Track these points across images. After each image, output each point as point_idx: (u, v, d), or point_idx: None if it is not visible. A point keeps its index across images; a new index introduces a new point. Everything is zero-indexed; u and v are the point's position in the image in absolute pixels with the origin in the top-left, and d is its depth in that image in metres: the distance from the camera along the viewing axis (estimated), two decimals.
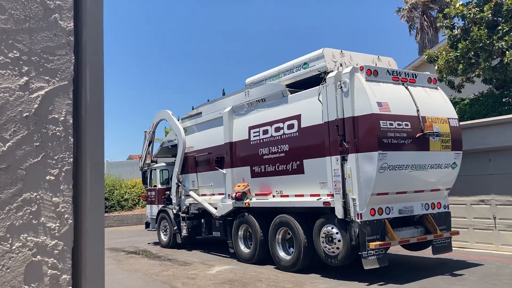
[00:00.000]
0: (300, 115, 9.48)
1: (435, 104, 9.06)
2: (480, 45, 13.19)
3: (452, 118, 9.14)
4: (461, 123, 9.68)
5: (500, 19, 13.56)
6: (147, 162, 16.03)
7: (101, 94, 1.30)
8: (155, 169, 15.80)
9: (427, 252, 9.86)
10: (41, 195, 1.17)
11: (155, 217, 15.33)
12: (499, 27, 13.05)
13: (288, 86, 10.09)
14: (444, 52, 14.73)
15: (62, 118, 1.21)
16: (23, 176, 1.15)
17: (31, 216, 1.16)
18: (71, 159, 1.23)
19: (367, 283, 8.08)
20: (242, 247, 11.11)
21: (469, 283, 7.94)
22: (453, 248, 9.51)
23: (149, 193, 16.21)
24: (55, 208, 1.19)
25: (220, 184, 12.11)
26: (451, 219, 9.59)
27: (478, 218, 11.35)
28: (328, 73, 8.93)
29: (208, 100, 14.06)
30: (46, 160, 1.18)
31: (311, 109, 9.20)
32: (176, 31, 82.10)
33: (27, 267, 1.14)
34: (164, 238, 14.67)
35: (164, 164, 15.68)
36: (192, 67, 77.17)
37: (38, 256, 1.15)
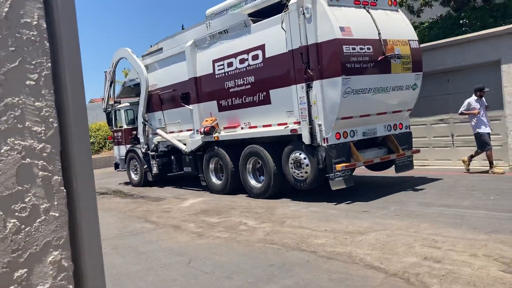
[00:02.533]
0: (264, 45, 9.41)
1: (396, 26, 9.15)
2: None
3: (413, 40, 9.29)
4: (420, 45, 9.87)
5: None
6: (110, 103, 15.71)
7: None
8: (119, 110, 15.53)
9: (390, 172, 10.40)
10: (23, 99, 1.18)
11: (123, 157, 15.30)
12: None
13: (250, 15, 9.89)
14: None
15: (35, 22, 1.20)
16: (3, 81, 1.16)
17: (15, 121, 1.17)
18: (49, 64, 1.22)
19: (335, 203, 8.52)
20: (214, 179, 11.36)
21: (429, 195, 8.49)
22: (414, 167, 10.04)
23: (115, 134, 16.05)
24: (38, 112, 1.20)
25: (187, 121, 12.11)
26: (412, 139, 10.05)
27: (437, 136, 11.92)
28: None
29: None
30: (24, 65, 1.18)
31: (275, 38, 9.13)
32: None
33: (18, 169, 1.18)
34: (134, 177, 14.76)
35: (128, 104, 15.43)
36: (150, 2, 73.58)
37: (27, 159, 1.18)
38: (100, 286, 1.31)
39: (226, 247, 6.45)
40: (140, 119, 13.91)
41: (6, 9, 1.16)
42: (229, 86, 10.44)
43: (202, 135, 11.24)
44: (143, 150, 14.00)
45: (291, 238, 6.54)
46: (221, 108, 10.84)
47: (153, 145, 13.73)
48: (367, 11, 8.82)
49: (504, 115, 10.75)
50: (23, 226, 1.17)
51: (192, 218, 8.74)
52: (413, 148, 10.01)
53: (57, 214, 1.22)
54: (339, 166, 8.32)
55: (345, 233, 6.50)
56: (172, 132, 12.94)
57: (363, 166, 9.68)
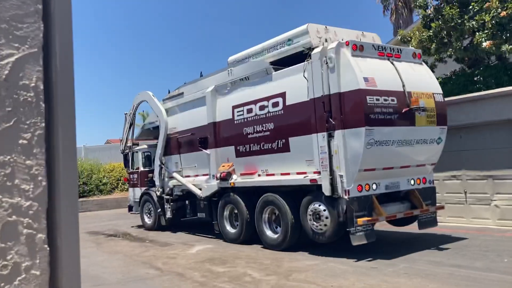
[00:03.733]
0: (285, 92, 9.34)
1: (420, 79, 9.02)
2: (452, 24, 13.34)
3: (437, 93, 9.12)
4: None
5: None
6: (128, 145, 15.74)
7: (71, 61, 1.33)
8: (137, 152, 15.52)
9: (412, 227, 9.96)
10: (15, 158, 1.21)
11: (138, 200, 15.11)
12: (470, 6, 13.16)
13: (272, 63, 9.91)
14: (417, 32, 14.82)
15: (33, 84, 1.24)
16: None
17: (5, 179, 1.19)
18: (43, 124, 1.26)
19: (355, 259, 8.10)
20: (228, 227, 11.03)
21: (440, 254, 8.06)
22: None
23: (131, 176, 15.94)
24: (28, 171, 1.23)
25: (204, 165, 11.95)
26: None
27: (450, 193, 11.53)
28: (313, 49, 8.78)
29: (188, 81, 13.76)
30: (18, 125, 1.21)
31: (296, 86, 9.06)
32: (154, 7, 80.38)
33: (3, 227, 1.18)
34: (148, 221, 14.49)
35: (146, 147, 15.41)
36: (172, 48, 75.81)
37: (13, 216, 1.19)
38: None
39: None
40: (157, 162, 13.82)
41: (6, 72, 1.21)
42: (248, 132, 10.31)
43: (218, 181, 11.03)
44: (158, 194, 13.80)
45: None
46: (238, 154, 10.68)
47: (168, 188, 13.55)
48: (391, 63, 8.73)
49: None
50: (3, 284, 1.17)
51: (197, 266, 8.56)
52: (437, 204, 9.61)
53: (38, 273, 1.22)
54: (360, 220, 7.97)
55: None
56: (188, 176, 12.77)
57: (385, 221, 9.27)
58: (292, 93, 9.16)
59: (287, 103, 9.27)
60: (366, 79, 8.02)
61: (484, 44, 12.52)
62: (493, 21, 12.44)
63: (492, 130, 10.88)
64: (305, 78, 8.74)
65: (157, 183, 13.91)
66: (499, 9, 12.33)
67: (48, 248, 1.24)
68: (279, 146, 9.52)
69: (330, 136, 8.32)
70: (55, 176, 1.28)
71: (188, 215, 13.19)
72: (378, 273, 7.17)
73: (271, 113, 9.66)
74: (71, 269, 1.29)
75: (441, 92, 9.28)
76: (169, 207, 13.44)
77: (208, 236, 12.12)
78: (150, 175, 14.64)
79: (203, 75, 12.51)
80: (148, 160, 15.18)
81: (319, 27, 9.22)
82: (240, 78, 10.61)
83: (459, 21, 13.16)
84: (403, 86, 8.50)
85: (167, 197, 13.51)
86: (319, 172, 8.55)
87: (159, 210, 13.82)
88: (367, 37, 9.82)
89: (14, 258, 1.18)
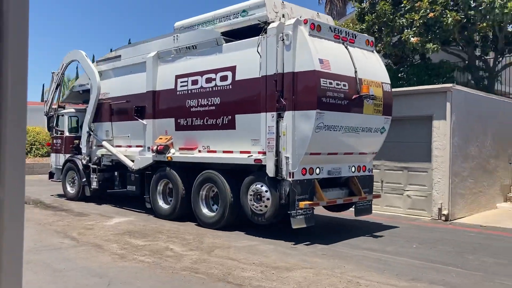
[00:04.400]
0: (235, 66, 8.90)
1: (371, 67, 9.00)
2: (384, 20, 13.89)
3: (385, 83, 9.17)
4: None
5: None
6: (53, 107, 14.48)
7: (26, 24, 1.21)
8: (62, 115, 14.30)
9: (347, 214, 10.10)
10: None
11: (60, 167, 14.01)
12: (402, 4, 13.76)
13: (223, 34, 9.39)
14: (351, 24, 15.19)
15: None
16: None
17: None
18: None
19: (293, 243, 7.99)
20: (161, 202, 10.50)
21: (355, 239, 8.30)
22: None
23: (54, 141, 14.71)
24: None
25: (138, 136, 11.25)
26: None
27: None
28: (269, 23, 8.40)
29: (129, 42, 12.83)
30: None
31: (248, 61, 8.66)
32: None
33: None
34: (70, 190, 13.49)
35: (73, 110, 14.25)
36: (111, 7, 70.73)
37: None
38: None
39: (149, 273, 6.19)
40: (85, 128, 12.83)
41: None
42: (191, 105, 9.78)
43: (154, 154, 10.42)
44: (84, 162, 12.85)
45: (218, 268, 6.39)
46: (178, 127, 10.12)
47: (96, 157, 12.66)
48: (346, 47, 8.60)
49: (431, 167, 11.07)
50: None
51: (116, 238, 8.29)
52: (374, 193, 9.77)
53: None
54: (302, 204, 7.84)
55: (273, 268, 6.45)
56: (120, 146, 11.99)
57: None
58: (243, 68, 8.75)
59: (237, 78, 8.85)
60: (321, 61, 7.81)
61: (412, 39, 13.15)
62: (421, 21, 13.15)
63: (411, 125, 11.39)
64: (259, 53, 8.37)
65: (83, 150, 12.95)
66: (428, 10, 13.01)
67: None
68: (224, 122, 9.11)
69: (280, 117, 8.06)
70: (2, 139, 1.18)
71: (117, 187, 12.42)
72: (298, 252, 7.39)
73: (219, 87, 9.20)
74: (13, 222, 1.21)
75: (389, 82, 9.34)
76: (95, 177, 12.57)
77: (137, 210, 11.52)
78: (76, 141, 13.60)
79: (131, 43, 11.70)
80: (75, 125, 14.08)
81: (276, 1, 8.84)
82: (186, 46, 9.99)
83: (391, 17, 13.77)
84: (356, 72, 8.41)
85: (94, 166, 12.62)
86: (264, 153, 8.28)
87: (84, 179, 12.90)
88: (322, 18, 9.62)
89: None
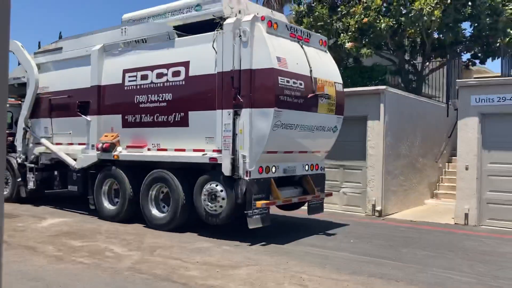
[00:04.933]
0: (188, 62, 8.61)
1: (324, 66, 9.06)
2: (321, 24, 14.32)
3: (338, 83, 9.27)
4: None
5: (340, 1, 14.83)
6: None
7: (7, 26, 1.26)
8: None
9: (299, 213, 10.12)
10: None
11: None
12: (339, 9, 14.26)
13: (175, 28, 9.06)
14: None
15: None
16: None
17: None
18: None
19: (249, 243, 7.85)
20: (106, 203, 9.98)
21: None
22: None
23: None
24: None
25: (81, 133, 10.62)
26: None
27: None
28: (225, 19, 8.21)
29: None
30: None
31: (202, 56, 8.41)
32: None
33: None
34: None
35: (6, 105, 13.20)
36: None
37: None
38: None
39: (90, 274, 6.00)
40: (21, 124, 11.94)
41: None
42: (140, 101, 9.36)
43: (99, 152, 9.88)
44: (20, 161, 11.97)
45: (161, 268, 6.29)
46: (126, 124, 9.65)
47: (33, 156, 11.82)
48: (301, 46, 8.59)
49: (365, 165, 11.56)
50: None
51: (51, 240, 7.95)
52: (326, 191, 9.86)
53: None
54: (259, 203, 7.72)
55: (217, 266, 6.44)
56: (60, 144, 11.27)
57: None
58: (197, 64, 8.48)
59: (190, 73, 8.56)
60: (279, 59, 7.73)
61: (347, 44, 13.69)
62: (356, 26, 13.67)
63: (347, 125, 11.54)
64: (214, 49, 8.14)
65: (19, 148, 12.05)
66: (362, 16, 13.56)
67: None
68: (176, 119, 8.79)
69: (236, 114, 7.88)
70: None
71: (56, 187, 11.66)
72: (242, 250, 7.45)
73: (170, 83, 8.86)
74: None
75: (341, 82, 9.46)
76: (32, 177, 11.74)
77: (79, 212, 10.88)
78: (10, 138, 12.62)
79: (62, 37, 11.06)
80: (9, 121, 13.08)
81: None
82: (135, 39, 9.54)
83: (328, 21, 14.22)
84: (311, 71, 8.42)
85: (31, 165, 11.79)
86: (219, 151, 8.07)
87: (19, 179, 12.03)
88: (276, 16, 9.54)
89: None
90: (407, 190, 12.43)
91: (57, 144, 11.32)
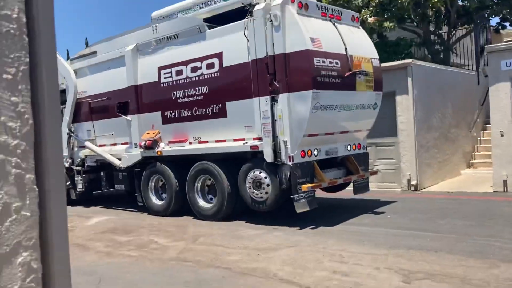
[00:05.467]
0: (221, 53, 8.63)
1: (359, 43, 8.88)
2: (341, 1, 13.99)
3: (374, 58, 9.07)
4: None
5: None
6: None
7: None
8: None
9: (344, 194, 10.04)
10: (0, 94, 1.14)
11: None
12: None
13: (205, 20, 9.08)
14: None
15: (15, 15, 1.17)
16: None
17: None
18: (27, 59, 1.20)
19: (298, 228, 7.86)
20: (154, 199, 10.21)
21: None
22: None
23: None
24: (14, 108, 1.17)
25: (123, 133, 10.87)
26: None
27: None
28: (254, 5, 8.15)
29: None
30: (2, 59, 1.15)
31: (234, 46, 8.40)
32: None
33: None
34: None
35: None
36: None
37: (1, 155, 1.13)
38: None
39: (138, 266, 6.24)
40: (64, 130, 12.30)
41: None
42: (177, 97, 9.47)
43: (142, 150, 10.08)
44: (67, 165, 12.35)
45: (205, 255, 6.50)
46: (166, 120, 9.80)
47: (79, 159, 12.20)
48: (333, 24, 8.44)
49: (397, 141, 11.39)
50: None
51: (99, 236, 8.25)
52: (370, 170, 9.73)
53: (28, 214, 1.19)
54: (305, 187, 7.71)
55: (258, 250, 6.58)
56: (103, 145, 11.56)
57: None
58: (230, 54, 8.49)
59: (224, 64, 8.58)
60: (312, 40, 7.64)
61: (369, 19, 13.35)
62: (377, 0, 13.27)
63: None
64: (246, 37, 8.12)
65: (65, 153, 12.44)
66: None
67: (37, 189, 1.22)
68: (214, 111, 8.85)
69: (274, 100, 7.86)
70: (40, 114, 1.22)
71: (104, 188, 12.00)
72: (281, 233, 7.56)
73: (205, 76, 8.92)
74: (59, 210, 1.28)
75: (378, 57, 9.25)
76: (80, 180, 12.13)
77: (128, 209, 11.18)
78: None
79: (88, 45, 11.25)
80: None
81: None
82: (167, 36, 9.63)
83: None
84: (346, 49, 8.28)
85: (78, 168, 12.17)
86: (260, 138, 8.09)
87: (68, 183, 12.43)
88: None
89: (4, 199, 1.15)
90: (441, 162, 12.28)
91: (100, 145, 11.62)
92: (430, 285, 4.80)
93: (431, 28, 15.66)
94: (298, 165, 7.79)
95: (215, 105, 8.83)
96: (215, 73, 8.75)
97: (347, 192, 10.06)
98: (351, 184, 9.28)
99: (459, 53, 16.62)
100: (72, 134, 12.27)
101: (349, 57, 8.28)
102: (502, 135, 10.14)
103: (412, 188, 11.17)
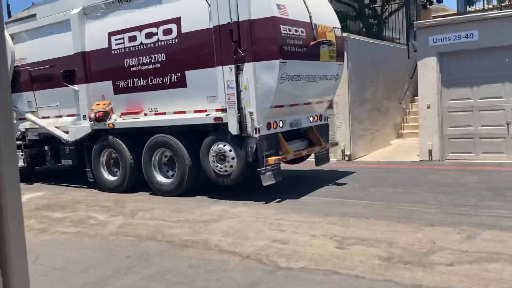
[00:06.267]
0: (180, 18, 8.08)
1: (322, 11, 8.65)
2: None
3: (337, 28, 8.90)
4: None
5: None
6: None
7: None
8: None
9: (303, 165, 10.00)
10: None
11: None
12: None
13: None
14: None
15: None
16: None
17: None
18: None
19: (263, 202, 7.69)
20: (106, 174, 9.63)
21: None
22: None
23: None
24: None
25: (69, 104, 10.08)
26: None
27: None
28: None
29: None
30: None
31: (194, 11, 7.90)
32: None
33: None
34: None
35: None
36: None
37: None
38: None
39: (76, 242, 6.18)
40: None
41: None
42: (131, 65, 8.85)
43: (92, 122, 9.41)
44: None
45: (145, 229, 6.49)
46: (118, 90, 9.17)
47: (18, 132, 11.23)
48: None
49: (332, 113, 11.55)
50: None
51: (32, 213, 7.99)
52: (330, 141, 9.70)
53: None
54: (272, 160, 7.51)
55: (199, 222, 6.66)
56: (47, 117, 10.71)
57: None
58: (190, 19, 7.97)
59: (183, 30, 8.06)
60: (279, 6, 7.30)
61: None
62: None
63: None
64: (207, 2, 7.63)
65: None
66: None
67: None
68: (172, 80, 8.35)
69: (239, 69, 7.51)
70: None
71: (49, 163, 11.22)
72: (221, 205, 7.60)
73: (162, 42, 8.35)
74: (15, 220, 1.30)
75: (340, 26, 9.09)
76: (21, 155, 11.21)
77: (76, 186, 10.52)
78: None
79: (11, 15, 10.27)
80: None
81: None
82: None
83: None
84: (310, 17, 8.02)
85: (18, 142, 11.21)
86: (223, 110, 7.75)
87: None
88: None
89: None
90: (373, 133, 12.76)
91: (43, 118, 10.76)
92: (362, 249, 5.11)
93: (366, 1, 15.82)
94: (264, 137, 7.56)
95: (173, 74, 8.33)
96: (173, 40, 8.22)
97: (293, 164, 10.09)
98: (312, 155, 9.21)
99: (391, 27, 17.07)
100: None
101: (313, 25, 8.04)
102: (428, 107, 10.65)
103: (346, 158, 11.59)
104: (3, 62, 1.23)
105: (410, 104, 14.75)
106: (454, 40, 10.24)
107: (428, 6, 16.81)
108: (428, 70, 10.59)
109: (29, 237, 6.37)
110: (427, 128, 10.75)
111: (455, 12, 16.91)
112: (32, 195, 9.71)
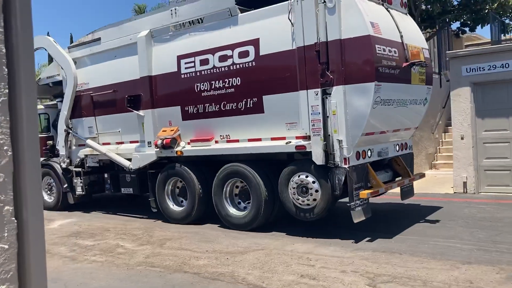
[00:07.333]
0: (258, 39, 7.54)
1: (410, 31, 7.94)
2: None
3: (425, 48, 8.16)
4: None
5: None
6: None
7: (30, 22, 1.25)
8: None
9: (384, 197, 9.14)
10: None
11: None
12: None
13: (238, 3, 7.96)
14: None
15: None
16: None
17: None
18: (7, 90, 1.19)
19: (352, 240, 6.87)
20: (171, 204, 9.06)
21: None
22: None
23: None
24: None
25: (132, 130, 9.68)
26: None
27: None
28: None
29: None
30: None
31: (275, 31, 7.34)
32: None
33: None
34: (48, 199, 11.64)
35: (42, 107, 12.30)
36: None
37: None
38: None
39: (104, 271, 6.11)
40: (62, 126, 10.99)
41: None
42: (201, 89, 8.34)
43: (158, 149, 8.90)
44: (64, 165, 11.07)
45: (172, 260, 6.40)
46: (187, 116, 8.66)
47: (78, 159, 10.90)
48: (386, 9, 7.48)
49: None
50: None
51: (63, 241, 8.04)
52: (418, 173, 8.84)
53: (6, 246, 1.18)
54: (364, 193, 6.73)
55: (226, 254, 6.54)
56: (108, 144, 10.32)
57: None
58: (269, 40, 7.41)
59: (261, 52, 7.50)
60: (373, 25, 6.64)
61: None
62: None
63: None
64: (290, 21, 7.06)
65: (61, 152, 11.13)
66: None
67: (15, 221, 1.20)
68: (248, 106, 7.76)
69: (325, 94, 6.84)
70: (19, 146, 1.22)
71: (108, 191, 10.77)
72: (247, 236, 7.49)
73: (237, 65, 7.81)
74: (37, 242, 1.26)
75: (428, 47, 8.34)
76: (80, 182, 10.84)
77: (137, 216, 9.98)
78: (50, 142, 11.74)
79: (73, 41, 10.02)
80: (46, 124, 12.18)
81: None
82: (189, 20, 8.47)
83: None
84: (401, 37, 7.33)
85: (78, 169, 10.87)
86: (305, 137, 7.06)
87: (66, 185, 11.15)
88: None
89: None
90: None
91: (104, 144, 10.38)
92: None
93: None
94: (354, 168, 6.80)
95: (248, 99, 7.74)
96: (250, 63, 7.66)
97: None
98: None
99: None
100: (70, 131, 10.97)
101: (404, 45, 7.33)
102: (462, 138, 10.37)
103: None
104: (34, 116, 1.25)
105: (443, 134, 14.50)
106: (488, 70, 9.92)
107: (460, 35, 16.73)
108: (462, 100, 10.36)
109: (60, 265, 6.50)
110: (461, 159, 10.39)
111: (489, 40, 16.66)
112: (63, 221, 9.76)
